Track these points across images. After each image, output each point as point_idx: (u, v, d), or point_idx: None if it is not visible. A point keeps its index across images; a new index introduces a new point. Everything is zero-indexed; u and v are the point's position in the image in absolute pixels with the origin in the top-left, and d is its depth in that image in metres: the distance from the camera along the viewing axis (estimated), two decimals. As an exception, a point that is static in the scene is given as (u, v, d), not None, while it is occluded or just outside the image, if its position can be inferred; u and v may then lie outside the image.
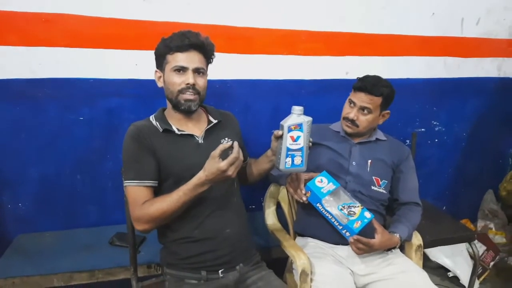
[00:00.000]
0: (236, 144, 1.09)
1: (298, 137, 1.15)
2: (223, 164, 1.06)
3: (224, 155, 1.08)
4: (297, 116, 1.16)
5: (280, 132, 1.16)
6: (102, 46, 1.60)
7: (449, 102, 2.24)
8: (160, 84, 1.29)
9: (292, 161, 1.17)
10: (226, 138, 1.33)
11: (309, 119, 1.17)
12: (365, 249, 1.33)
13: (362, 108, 1.44)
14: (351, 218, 1.30)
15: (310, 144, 1.21)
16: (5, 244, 1.63)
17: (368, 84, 1.42)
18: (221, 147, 1.08)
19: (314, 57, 1.91)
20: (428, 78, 2.14)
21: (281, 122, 1.17)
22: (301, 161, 1.18)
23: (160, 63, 1.26)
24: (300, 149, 1.16)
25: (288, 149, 1.16)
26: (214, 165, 1.08)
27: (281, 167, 1.18)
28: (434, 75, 2.15)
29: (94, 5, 1.56)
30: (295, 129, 1.15)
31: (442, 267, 2.15)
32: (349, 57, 1.95)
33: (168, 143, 1.24)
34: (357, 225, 1.29)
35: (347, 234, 1.32)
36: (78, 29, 1.56)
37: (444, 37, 2.10)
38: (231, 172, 1.09)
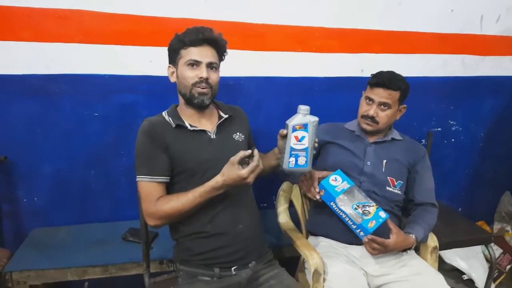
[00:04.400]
0: (256, 152, 1.10)
1: (303, 137, 1.14)
2: (245, 171, 1.08)
3: (241, 161, 1.09)
4: (303, 116, 1.15)
5: (285, 131, 1.16)
6: (117, 42, 1.61)
7: (466, 101, 2.19)
8: (173, 79, 1.29)
9: (296, 161, 1.16)
10: (238, 133, 1.34)
11: (315, 119, 1.15)
12: (380, 249, 1.31)
13: (381, 104, 1.42)
14: (365, 218, 1.28)
15: (316, 144, 1.20)
16: (21, 238, 1.66)
17: (386, 79, 1.41)
18: (241, 154, 1.09)
19: (329, 54, 1.88)
20: (446, 77, 2.09)
21: (286, 121, 1.16)
22: (305, 161, 1.17)
23: (174, 58, 1.26)
24: (305, 149, 1.15)
25: (292, 149, 1.15)
26: (234, 171, 1.09)
27: (285, 166, 1.17)
28: (451, 73, 2.10)
29: (108, 1, 1.56)
30: (300, 129, 1.14)
31: (456, 270, 2.12)
32: (364, 55, 1.92)
33: (180, 138, 1.25)
34: (372, 225, 1.27)
35: (362, 233, 1.30)
36: (93, 25, 1.57)
37: (463, 34, 2.05)
38: (251, 179, 1.11)
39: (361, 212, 1.29)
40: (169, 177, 1.23)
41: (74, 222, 1.76)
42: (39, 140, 1.65)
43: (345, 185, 1.32)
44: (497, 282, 2.16)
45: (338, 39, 1.87)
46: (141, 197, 1.22)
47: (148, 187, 1.20)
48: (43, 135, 1.65)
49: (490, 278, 1.93)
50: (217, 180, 1.12)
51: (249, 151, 1.10)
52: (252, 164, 1.09)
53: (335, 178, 1.33)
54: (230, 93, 1.73)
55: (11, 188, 1.68)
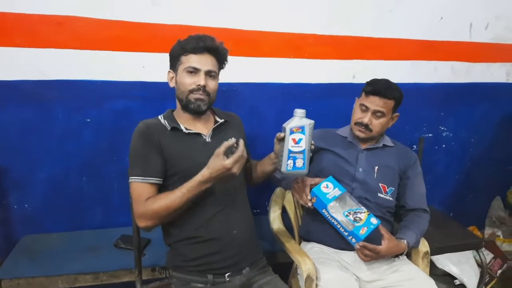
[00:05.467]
0: (241, 141, 1.10)
1: (300, 139, 1.16)
2: (228, 162, 1.07)
3: (227, 152, 1.09)
4: (299, 118, 1.16)
5: (282, 135, 1.17)
6: (110, 48, 1.61)
7: (457, 108, 2.22)
8: (172, 84, 1.31)
9: (294, 163, 1.17)
10: (233, 138, 1.33)
11: (311, 122, 1.17)
12: (371, 256, 1.32)
13: (376, 112, 1.44)
14: (357, 224, 1.28)
15: (313, 147, 1.21)
16: (11, 245, 1.64)
17: (382, 87, 1.42)
18: (225, 144, 1.09)
19: (321, 61, 1.90)
20: (436, 83, 2.12)
21: (283, 125, 1.18)
22: (303, 163, 1.18)
23: (174, 63, 1.28)
24: (302, 152, 1.17)
25: (290, 152, 1.16)
26: (218, 162, 1.08)
27: (283, 169, 1.18)
28: (441, 80, 2.13)
29: (102, 8, 1.57)
30: (297, 132, 1.15)
31: (448, 275, 2.13)
32: (356, 61, 1.94)
33: (175, 141, 1.25)
34: (363, 232, 1.27)
35: (353, 240, 1.30)
36: (87, 31, 1.57)
37: (452, 41, 2.08)
38: (236, 170, 1.10)
39: (352, 219, 1.29)
40: (161, 179, 1.22)
41: (66, 228, 1.75)
42: (32, 146, 1.64)
43: (337, 191, 1.33)
44: (488, 286, 2.17)
45: (331, 46, 1.89)
46: (132, 198, 1.22)
47: (140, 187, 1.19)
48: (36, 141, 1.64)
49: (481, 283, 1.95)
50: (203, 173, 1.12)
51: (233, 140, 1.10)
52: (236, 154, 1.08)
53: (327, 185, 1.33)
54: (224, 99, 1.74)
55: (2, 194, 1.66)
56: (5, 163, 1.63)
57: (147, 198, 1.18)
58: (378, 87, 1.42)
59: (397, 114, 1.51)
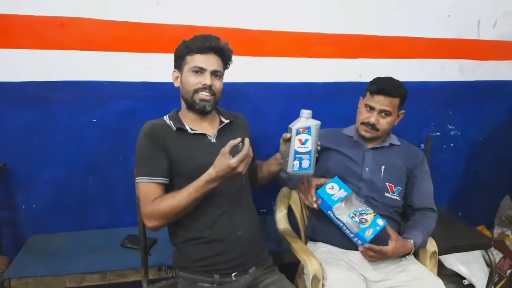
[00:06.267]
0: (246, 140, 1.10)
1: (306, 140, 1.15)
2: (234, 161, 1.07)
3: (233, 151, 1.09)
4: (305, 119, 1.16)
5: (288, 135, 1.17)
6: (115, 49, 1.61)
7: (464, 106, 2.20)
8: (177, 84, 1.31)
9: (300, 164, 1.17)
10: (239, 139, 1.34)
11: (317, 122, 1.17)
12: (377, 257, 1.31)
13: (382, 112, 1.42)
14: (362, 226, 1.27)
15: (319, 147, 1.21)
16: (19, 245, 1.65)
17: (386, 86, 1.40)
18: (230, 143, 1.09)
19: (326, 60, 1.89)
20: (443, 81, 2.10)
21: (289, 125, 1.17)
22: (309, 164, 1.18)
23: (179, 63, 1.28)
24: (308, 153, 1.17)
25: (296, 152, 1.16)
26: (224, 161, 1.08)
27: (289, 170, 1.18)
28: (449, 78, 2.11)
29: (107, 9, 1.57)
30: (303, 132, 1.15)
31: (457, 275, 2.11)
32: (362, 60, 1.93)
33: (181, 141, 1.25)
34: (369, 233, 1.26)
35: (359, 242, 1.29)
36: (92, 32, 1.58)
37: (460, 39, 2.06)
38: (241, 168, 1.09)
39: (358, 220, 1.27)
40: (168, 179, 1.23)
41: (73, 228, 1.76)
42: (38, 147, 1.65)
43: (342, 193, 1.31)
44: (497, 286, 2.14)
45: (336, 45, 1.88)
46: (140, 198, 1.22)
47: (147, 188, 1.20)
48: (42, 142, 1.66)
49: (490, 283, 1.92)
50: (210, 172, 1.11)
51: (238, 139, 1.10)
52: (241, 153, 1.08)
53: (332, 186, 1.32)
54: (229, 99, 1.73)
55: (9, 195, 1.68)
56: (13, 164, 1.65)
57: (154, 198, 1.18)
58: (383, 86, 1.40)
59: (403, 111, 1.49)
